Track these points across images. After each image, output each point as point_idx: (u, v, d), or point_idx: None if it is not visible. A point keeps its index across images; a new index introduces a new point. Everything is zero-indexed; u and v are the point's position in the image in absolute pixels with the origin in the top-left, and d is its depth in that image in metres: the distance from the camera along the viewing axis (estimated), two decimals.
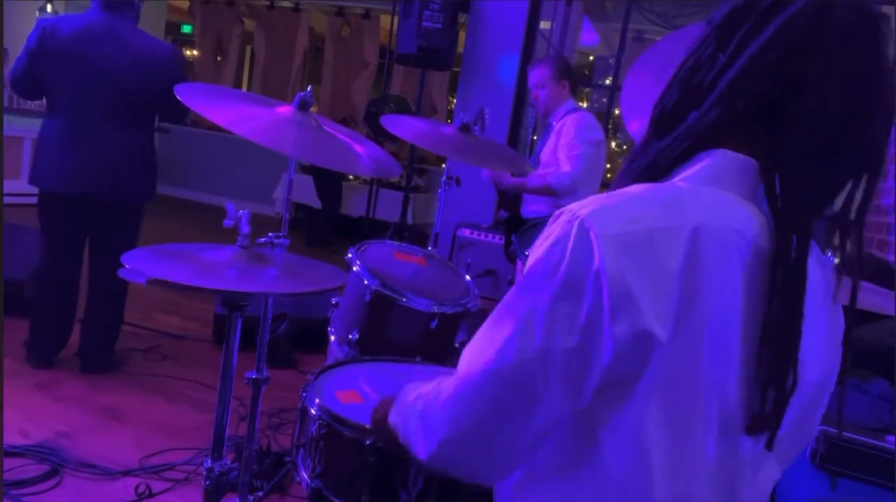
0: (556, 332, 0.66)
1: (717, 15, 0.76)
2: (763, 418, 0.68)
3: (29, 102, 2.80)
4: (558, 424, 0.71)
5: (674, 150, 0.75)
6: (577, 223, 0.66)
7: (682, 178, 0.74)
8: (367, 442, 1.19)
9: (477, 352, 0.73)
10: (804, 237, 0.68)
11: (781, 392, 0.68)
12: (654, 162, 0.77)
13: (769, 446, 0.71)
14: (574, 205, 0.69)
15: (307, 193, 7.08)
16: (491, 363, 0.70)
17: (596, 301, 0.64)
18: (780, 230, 0.69)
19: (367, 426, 1.22)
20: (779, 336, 0.67)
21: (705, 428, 0.68)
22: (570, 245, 0.66)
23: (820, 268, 0.74)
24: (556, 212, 0.70)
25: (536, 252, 0.70)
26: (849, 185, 0.71)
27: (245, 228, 1.29)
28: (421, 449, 0.78)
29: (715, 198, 0.71)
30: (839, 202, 0.73)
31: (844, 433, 1.72)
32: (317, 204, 7.04)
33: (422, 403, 0.80)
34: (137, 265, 1.13)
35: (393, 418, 0.87)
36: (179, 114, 2.83)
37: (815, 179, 0.69)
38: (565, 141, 2.93)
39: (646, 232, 0.65)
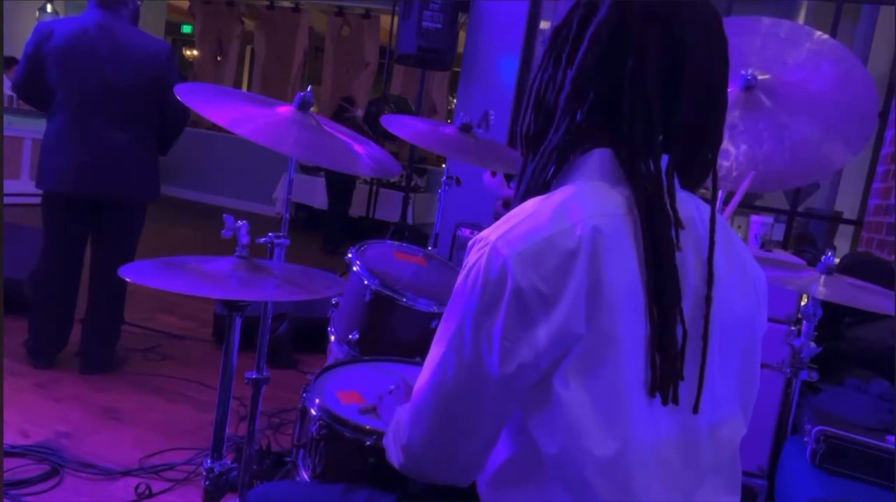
0: (483, 344, 0.73)
1: (545, 37, 0.84)
2: (666, 372, 0.73)
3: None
4: (505, 426, 0.78)
5: (544, 166, 0.83)
6: (488, 248, 0.74)
7: (566, 182, 0.81)
8: (368, 442, 1.19)
9: (424, 368, 0.82)
10: (660, 204, 0.76)
11: (674, 342, 0.74)
12: (532, 180, 0.84)
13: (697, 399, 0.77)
14: (484, 233, 0.76)
15: (308, 193, 7.07)
16: (434, 377, 0.79)
17: (514, 313, 0.71)
18: (639, 201, 0.75)
19: (367, 427, 1.23)
20: (659, 292, 0.73)
21: (631, 391, 0.72)
22: (484, 268, 0.73)
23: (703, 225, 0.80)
24: (471, 242, 0.77)
25: (459, 278, 0.77)
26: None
27: (244, 239, 1.29)
28: (394, 456, 0.87)
29: (594, 191, 0.77)
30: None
31: (844, 433, 1.72)
32: (317, 203, 7.00)
33: (395, 420, 0.90)
34: (139, 277, 1.14)
35: (385, 440, 0.94)
36: (175, 114, 2.80)
37: (652, 152, 0.77)
38: None
39: (545, 240, 0.72)
